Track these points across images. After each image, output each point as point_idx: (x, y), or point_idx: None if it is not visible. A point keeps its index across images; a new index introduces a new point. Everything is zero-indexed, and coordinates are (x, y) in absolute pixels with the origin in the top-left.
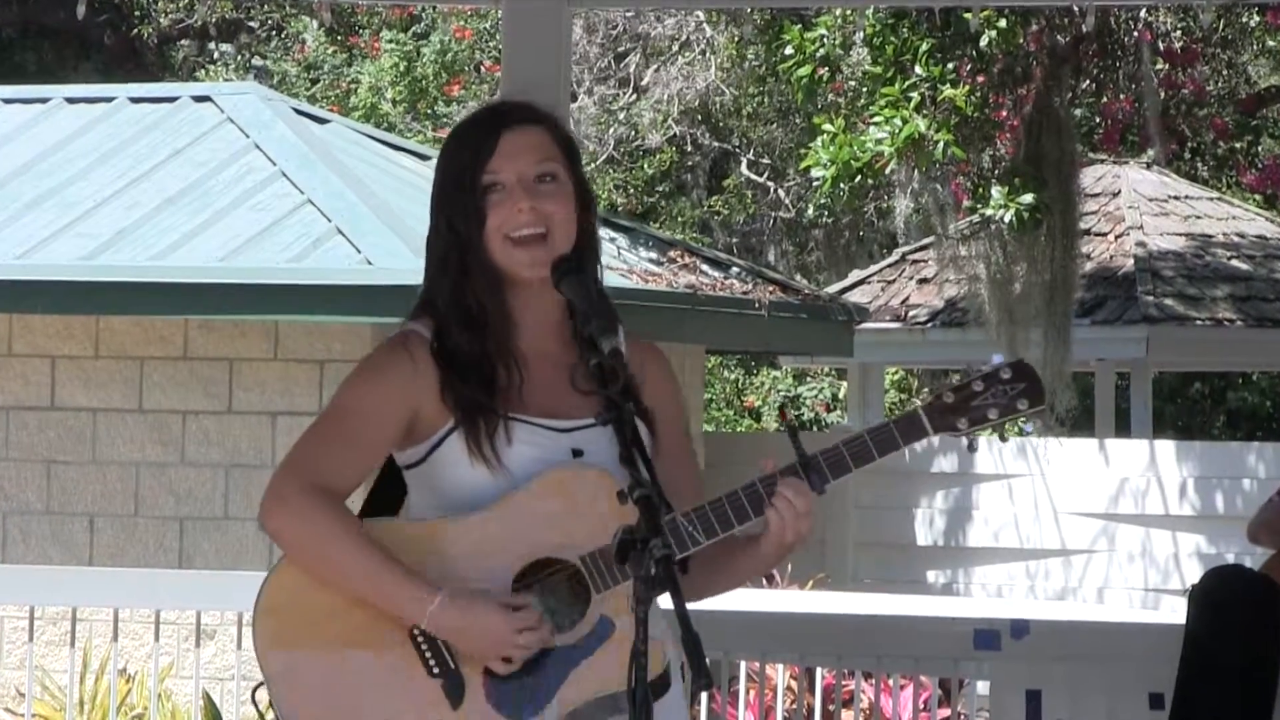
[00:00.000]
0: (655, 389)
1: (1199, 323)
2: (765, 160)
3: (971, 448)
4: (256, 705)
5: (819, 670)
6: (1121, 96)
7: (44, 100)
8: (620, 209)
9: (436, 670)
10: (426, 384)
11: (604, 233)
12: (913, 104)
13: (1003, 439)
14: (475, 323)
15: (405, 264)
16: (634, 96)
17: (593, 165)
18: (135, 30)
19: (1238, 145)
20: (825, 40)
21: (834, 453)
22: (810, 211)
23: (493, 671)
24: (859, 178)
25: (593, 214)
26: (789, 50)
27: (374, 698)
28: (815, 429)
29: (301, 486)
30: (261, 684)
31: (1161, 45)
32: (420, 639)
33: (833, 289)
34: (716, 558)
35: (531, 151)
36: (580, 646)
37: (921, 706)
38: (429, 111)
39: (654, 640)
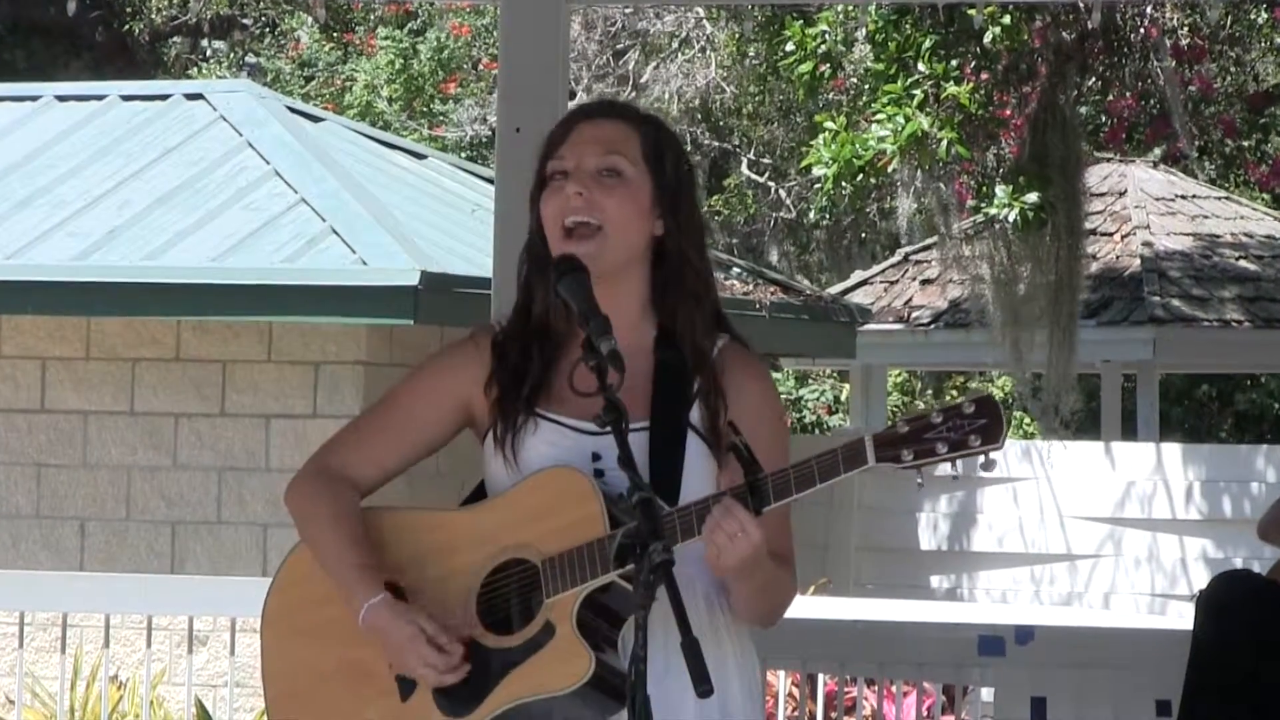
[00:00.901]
0: (742, 400)
1: (1206, 324)
2: (766, 159)
3: (919, 483)
4: None
5: (820, 677)
6: (1128, 94)
7: (34, 98)
8: None
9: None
10: (479, 377)
11: None
12: (916, 101)
13: (954, 478)
14: (531, 318)
15: (401, 264)
16: (633, 94)
17: None
18: (127, 27)
19: (1246, 144)
20: (827, 37)
21: (781, 476)
22: (812, 212)
23: None
24: (861, 177)
25: (680, 224)
26: (790, 47)
27: (333, 685)
28: (817, 432)
29: (314, 469)
30: None
31: (1168, 42)
32: None
33: (835, 290)
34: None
35: (599, 143)
36: (523, 649)
37: (925, 714)
38: (425, 110)
39: (580, 649)
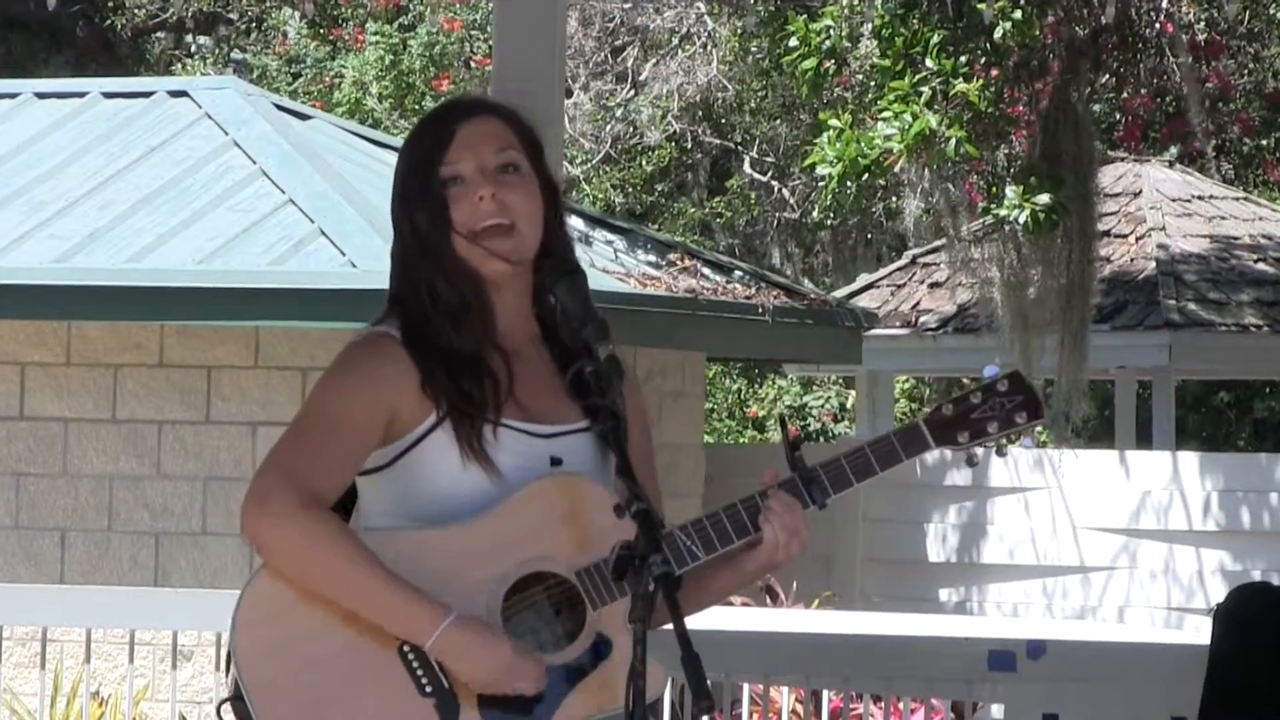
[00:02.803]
0: (629, 408)
1: (1224, 328)
2: (769, 158)
3: (971, 463)
4: None
5: (825, 693)
6: (1143, 91)
7: (13, 95)
8: (618, 209)
9: (430, 689)
10: (406, 383)
11: (600, 234)
12: (923, 99)
13: (999, 453)
14: (456, 321)
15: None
16: (632, 92)
17: (589, 164)
18: (109, 22)
19: (1264, 142)
20: (831, 32)
21: (834, 466)
22: (816, 212)
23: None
24: (866, 176)
25: (561, 210)
26: (793, 42)
27: (361, 716)
28: (822, 440)
29: (299, 497)
30: (227, 700)
31: (1185, 38)
32: (411, 656)
33: (840, 293)
34: (700, 573)
35: (490, 140)
36: (577, 666)
37: None
38: (416, 107)
39: (653, 663)
